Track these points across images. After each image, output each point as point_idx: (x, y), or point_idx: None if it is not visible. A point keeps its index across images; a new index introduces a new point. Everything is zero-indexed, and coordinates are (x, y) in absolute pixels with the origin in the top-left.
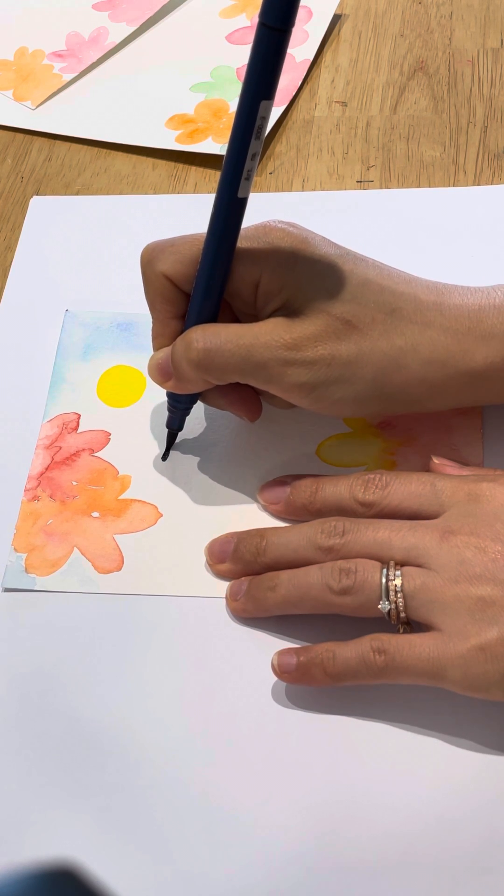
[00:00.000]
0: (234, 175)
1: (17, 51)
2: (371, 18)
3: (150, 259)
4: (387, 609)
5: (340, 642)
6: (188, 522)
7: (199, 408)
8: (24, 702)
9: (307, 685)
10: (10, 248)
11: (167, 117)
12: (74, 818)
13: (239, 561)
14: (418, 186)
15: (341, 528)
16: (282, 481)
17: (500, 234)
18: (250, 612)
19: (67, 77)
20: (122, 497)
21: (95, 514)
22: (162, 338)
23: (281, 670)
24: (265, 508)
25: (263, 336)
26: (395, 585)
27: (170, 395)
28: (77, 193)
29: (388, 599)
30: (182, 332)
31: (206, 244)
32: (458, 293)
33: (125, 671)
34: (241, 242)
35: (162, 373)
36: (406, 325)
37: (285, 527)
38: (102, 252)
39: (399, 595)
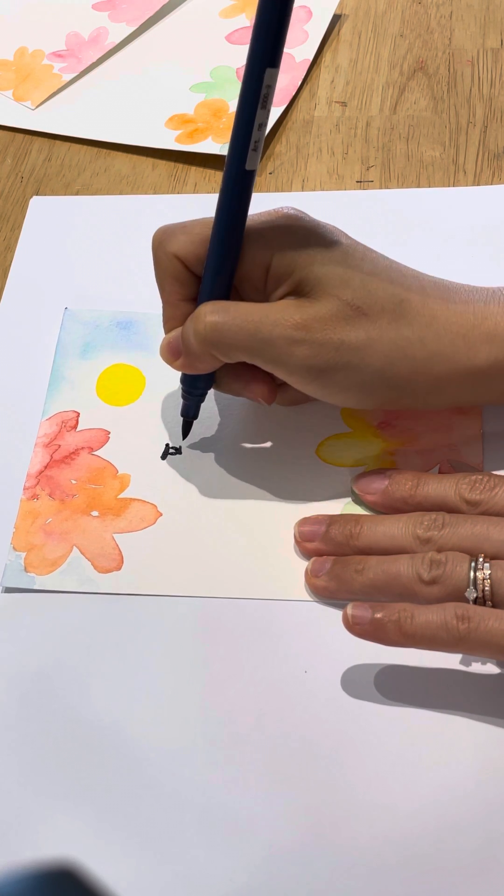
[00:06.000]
0: (241, 146)
1: (17, 51)
2: (371, 18)
3: (161, 240)
4: (473, 597)
5: (419, 605)
6: (188, 522)
7: None
8: (24, 702)
9: (377, 642)
10: (10, 248)
11: (167, 117)
12: (74, 818)
13: (330, 542)
14: (418, 186)
15: (441, 521)
16: (380, 472)
17: (500, 234)
18: (331, 592)
19: (67, 77)
20: (121, 496)
21: (95, 513)
22: (173, 321)
23: (353, 622)
24: (360, 499)
25: (273, 314)
26: (484, 575)
27: (184, 381)
28: (77, 193)
29: (475, 588)
30: None
31: (216, 219)
32: (464, 290)
33: (125, 671)
34: (252, 224)
35: (172, 351)
36: (413, 317)
37: (382, 515)
38: (102, 252)
39: (486, 583)
